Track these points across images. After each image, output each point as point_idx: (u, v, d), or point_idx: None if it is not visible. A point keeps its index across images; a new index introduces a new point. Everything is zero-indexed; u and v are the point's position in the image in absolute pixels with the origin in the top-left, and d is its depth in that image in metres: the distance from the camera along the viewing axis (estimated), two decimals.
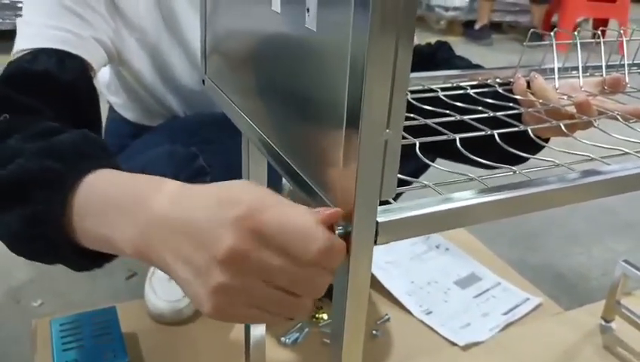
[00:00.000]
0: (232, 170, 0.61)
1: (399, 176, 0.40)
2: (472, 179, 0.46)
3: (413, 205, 0.36)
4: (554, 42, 0.75)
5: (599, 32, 0.79)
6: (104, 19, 0.82)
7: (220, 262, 0.37)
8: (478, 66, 0.88)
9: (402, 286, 1.23)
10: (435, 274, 1.29)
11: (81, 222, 0.52)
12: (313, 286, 0.38)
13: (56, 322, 1.03)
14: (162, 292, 1.12)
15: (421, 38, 1.09)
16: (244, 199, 0.38)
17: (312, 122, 0.38)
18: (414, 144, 0.47)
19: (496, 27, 4.00)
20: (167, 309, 1.10)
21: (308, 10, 0.34)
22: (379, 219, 0.34)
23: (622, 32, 0.79)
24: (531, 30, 0.84)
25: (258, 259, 0.37)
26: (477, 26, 3.81)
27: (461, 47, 3.62)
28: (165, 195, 0.44)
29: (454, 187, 0.49)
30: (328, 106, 0.35)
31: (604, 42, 0.77)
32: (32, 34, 0.74)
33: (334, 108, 0.34)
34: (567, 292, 1.29)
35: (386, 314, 1.15)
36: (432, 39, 1.04)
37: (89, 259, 0.56)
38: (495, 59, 3.40)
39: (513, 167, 0.48)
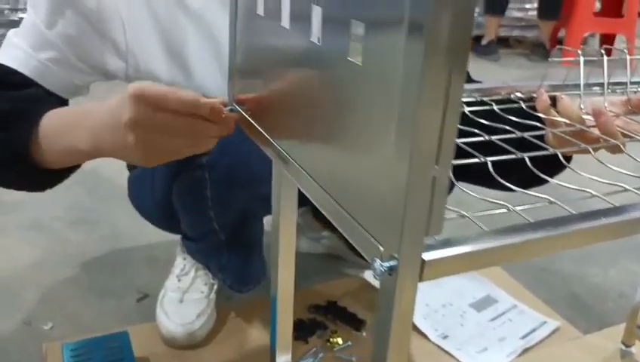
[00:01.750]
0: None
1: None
2: (509, 210, 0.45)
3: (459, 240, 0.35)
4: (581, 59, 0.74)
5: (625, 50, 0.78)
6: (113, 60, 0.90)
7: (127, 126, 0.60)
8: None
9: (417, 310, 1.21)
10: (450, 297, 1.27)
11: (48, 142, 0.75)
12: (191, 128, 0.59)
13: (68, 347, 1.01)
14: (174, 315, 1.11)
15: None
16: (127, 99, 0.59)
17: (355, 155, 0.37)
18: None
19: (503, 42, 4.00)
20: (180, 332, 1.09)
21: (351, 40, 0.33)
22: (424, 257, 0.33)
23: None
24: (558, 47, 0.83)
25: (149, 118, 0.58)
26: (484, 42, 3.81)
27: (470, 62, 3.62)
28: (98, 110, 0.68)
29: (489, 218, 0.48)
30: (374, 140, 0.34)
31: (624, 59, 0.76)
32: (14, 55, 0.86)
33: (381, 143, 0.33)
34: (584, 314, 1.27)
35: None
36: None
37: (48, 176, 0.81)
38: (503, 75, 3.40)
39: (550, 198, 0.47)
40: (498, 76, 3.35)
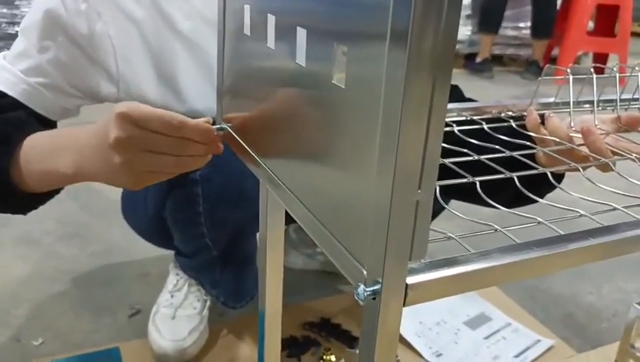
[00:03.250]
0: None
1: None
2: (496, 231, 0.45)
3: (443, 263, 0.35)
4: (570, 77, 0.74)
5: (615, 69, 0.78)
6: (103, 85, 0.90)
7: (112, 146, 0.58)
8: None
9: (411, 327, 1.21)
10: (443, 314, 1.26)
11: (28, 165, 0.73)
12: (176, 147, 0.58)
13: None
14: (166, 332, 1.10)
15: None
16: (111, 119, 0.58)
17: (340, 179, 0.37)
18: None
19: (497, 60, 4.03)
20: (171, 349, 1.08)
21: (334, 71, 0.33)
22: (408, 281, 0.33)
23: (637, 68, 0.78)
24: (547, 65, 0.83)
25: (134, 136, 0.57)
26: (478, 59, 3.84)
27: (463, 79, 3.64)
28: (82, 133, 0.67)
29: (476, 238, 0.48)
30: (357, 164, 0.34)
31: (614, 77, 0.76)
32: (3, 78, 0.85)
33: (364, 167, 0.33)
34: (578, 332, 1.26)
35: (396, 356, 1.12)
36: None
37: (30, 199, 0.79)
38: (496, 92, 3.41)
39: (538, 218, 0.47)
40: (491, 93, 3.37)
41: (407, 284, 0.33)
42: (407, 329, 1.19)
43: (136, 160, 0.58)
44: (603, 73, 0.78)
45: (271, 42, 0.42)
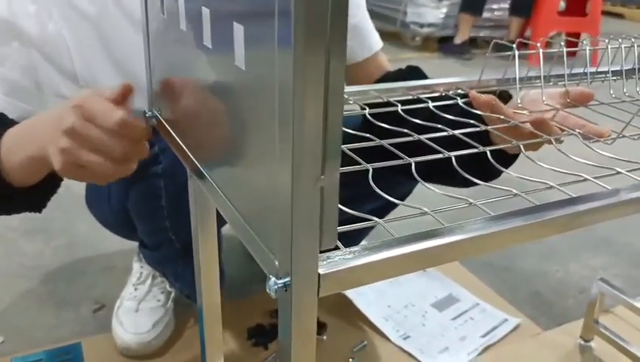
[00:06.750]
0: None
1: (354, 212, 0.39)
2: (425, 213, 0.44)
3: (358, 251, 0.34)
4: (516, 53, 0.74)
5: (562, 43, 0.78)
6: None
7: (64, 132, 0.61)
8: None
9: (379, 311, 1.20)
10: (412, 297, 1.26)
11: (8, 160, 0.73)
12: (114, 145, 0.59)
13: (18, 361, 0.98)
14: (129, 325, 1.09)
15: (397, 55, 1.07)
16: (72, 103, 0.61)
17: (252, 169, 0.35)
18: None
19: (471, 42, 4.02)
20: (134, 342, 1.07)
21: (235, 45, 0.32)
22: (320, 271, 0.32)
23: (589, 42, 0.78)
24: (493, 41, 0.82)
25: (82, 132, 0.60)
26: (457, 41, 3.81)
27: (436, 62, 3.63)
28: (45, 117, 0.69)
29: (406, 223, 0.47)
30: (263, 152, 0.33)
31: (568, 52, 0.75)
32: None
33: (268, 155, 0.32)
34: (545, 311, 1.27)
35: (363, 341, 1.12)
36: (408, 55, 1.02)
37: (33, 195, 0.78)
38: (472, 76, 3.40)
39: (470, 199, 0.46)
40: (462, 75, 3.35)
41: (319, 274, 0.32)
42: (374, 313, 1.19)
43: (74, 151, 0.62)
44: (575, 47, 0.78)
45: (183, 24, 0.40)
